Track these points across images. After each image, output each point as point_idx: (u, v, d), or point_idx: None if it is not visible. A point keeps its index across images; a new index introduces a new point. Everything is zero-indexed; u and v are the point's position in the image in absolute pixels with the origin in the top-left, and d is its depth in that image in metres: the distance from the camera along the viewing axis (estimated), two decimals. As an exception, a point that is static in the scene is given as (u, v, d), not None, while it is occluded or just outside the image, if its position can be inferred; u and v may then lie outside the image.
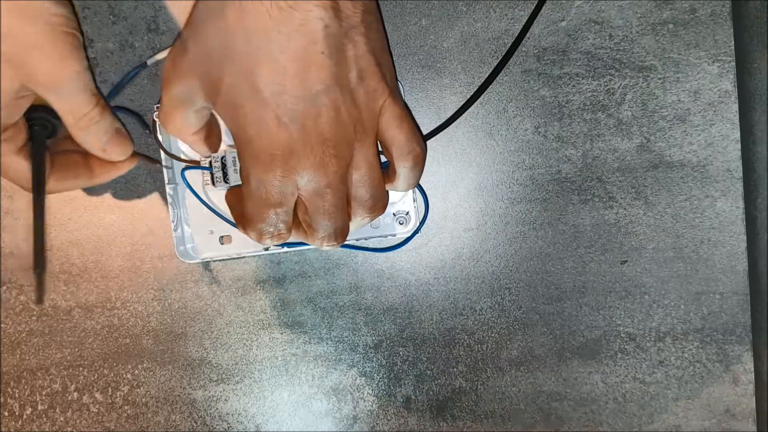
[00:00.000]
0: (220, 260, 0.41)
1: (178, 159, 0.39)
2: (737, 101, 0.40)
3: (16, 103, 0.32)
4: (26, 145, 0.34)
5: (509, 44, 0.40)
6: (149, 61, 0.39)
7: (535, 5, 0.39)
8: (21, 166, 0.34)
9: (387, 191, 0.35)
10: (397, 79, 0.37)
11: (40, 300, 0.36)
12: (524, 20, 0.40)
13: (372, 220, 0.35)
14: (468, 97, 0.40)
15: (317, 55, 0.30)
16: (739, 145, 0.40)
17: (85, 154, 0.36)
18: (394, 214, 0.41)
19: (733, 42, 0.40)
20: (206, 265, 0.41)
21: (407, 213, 0.41)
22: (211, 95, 0.32)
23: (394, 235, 0.41)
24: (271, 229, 0.33)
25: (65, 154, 0.36)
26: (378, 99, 0.33)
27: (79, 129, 0.33)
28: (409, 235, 0.41)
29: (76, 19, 0.33)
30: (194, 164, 0.38)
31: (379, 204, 0.34)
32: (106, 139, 0.34)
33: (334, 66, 0.30)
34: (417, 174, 0.35)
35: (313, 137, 0.31)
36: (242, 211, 0.34)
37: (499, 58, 0.40)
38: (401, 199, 0.40)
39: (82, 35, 0.33)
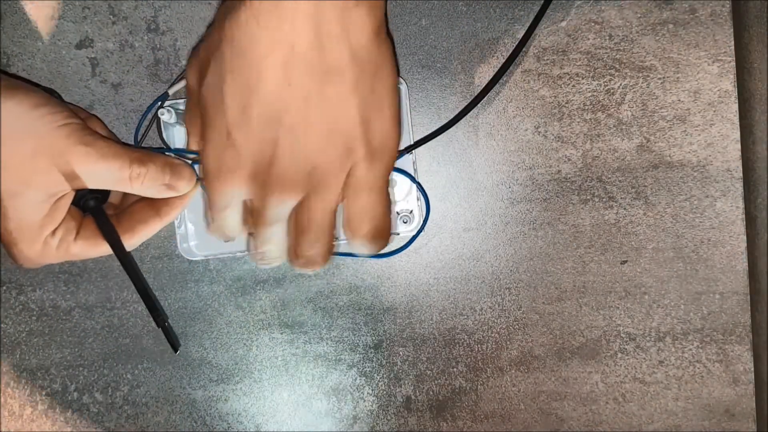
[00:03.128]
0: (221, 258, 0.41)
1: (182, 157, 0.39)
2: (737, 101, 0.40)
3: (56, 206, 0.33)
4: (83, 226, 0.35)
5: (509, 44, 0.40)
6: (170, 91, 0.39)
7: (537, 6, 0.39)
8: (87, 246, 0.35)
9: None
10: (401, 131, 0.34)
11: (176, 347, 0.36)
12: (524, 20, 0.40)
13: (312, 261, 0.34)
14: (467, 97, 0.40)
15: (285, 81, 0.29)
16: (739, 145, 0.40)
17: (147, 199, 0.36)
18: (398, 213, 0.40)
19: (733, 42, 0.40)
20: (206, 264, 0.41)
21: (411, 211, 0.40)
22: (198, 89, 0.32)
23: (398, 234, 0.41)
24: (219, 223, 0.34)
25: (129, 209, 0.36)
26: (347, 157, 0.31)
27: (136, 189, 0.34)
28: (413, 234, 0.40)
29: (60, 101, 0.34)
30: (197, 161, 0.38)
31: (321, 253, 0.33)
32: (167, 179, 0.34)
33: (300, 101, 0.29)
34: (367, 250, 0.34)
35: (258, 166, 0.31)
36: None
37: (499, 58, 0.40)
38: (405, 198, 0.40)
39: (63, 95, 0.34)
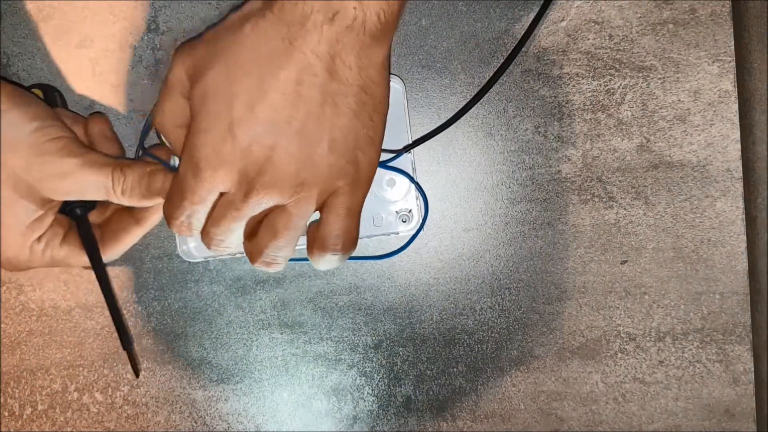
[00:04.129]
0: (221, 259, 0.41)
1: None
2: (737, 101, 0.40)
3: (46, 213, 0.34)
4: (69, 232, 0.36)
5: (509, 44, 0.40)
6: None
7: (537, 6, 0.39)
8: (72, 252, 0.36)
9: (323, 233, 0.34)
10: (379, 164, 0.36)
11: (137, 372, 0.38)
12: (524, 20, 0.40)
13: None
14: (467, 97, 0.40)
15: (295, 94, 0.30)
16: (739, 145, 0.40)
17: (126, 208, 0.38)
18: (396, 212, 0.40)
19: (733, 42, 0.40)
20: (206, 264, 0.41)
21: (410, 210, 0.40)
22: (194, 78, 0.32)
23: (397, 233, 0.41)
24: (182, 219, 0.34)
25: (109, 218, 0.38)
26: (337, 179, 0.32)
27: (119, 197, 0.35)
28: (413, 233, 0.40)
29: (52, 113, 0.35)
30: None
31: (284, 256, 0.34)
32: (144, 185, 0.35)
33: (304, 114, 0.31)
34: (332, 262, 0.35)
35: (250, 164, 0.31)
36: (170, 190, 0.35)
37: (499, 58, 0.40)
38: (404, 197, 0.40)
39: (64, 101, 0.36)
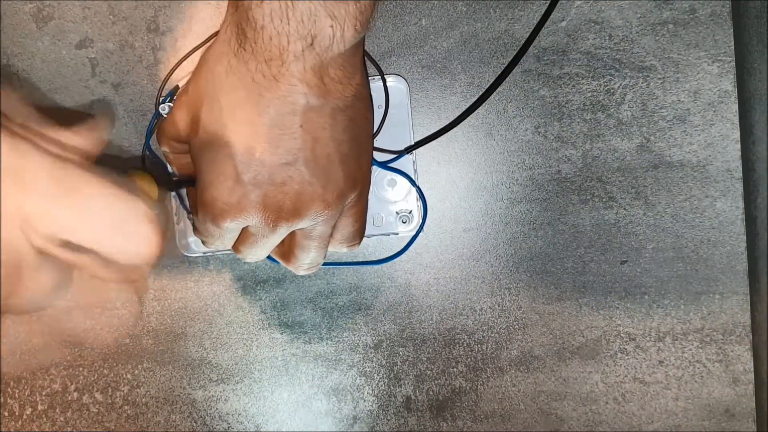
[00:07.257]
0: (220, 257, 0.41)
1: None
2: (737, 101, 0.40)
3: None
4: None
5: (509, 44, 0.40)
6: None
7: (537, 6, 0.39)
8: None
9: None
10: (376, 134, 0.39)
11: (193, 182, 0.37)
12: (524, 20, 0.40)
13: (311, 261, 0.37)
14: (467, 97, 0.40)
15: (295, 126, 0.30)
16: (739, 145, 0.40)
17: None
18: (397, 213, 0.40)
19: (733, 42, 0.40)
20: (206, 264, 0.41)
21: (410, 212, 0.40)
22: (191, 132, 0.33)
23: (397, 234, 0.41)
24: (213, 248, 0.37)
25: None
26: (352, 190, 0.33)
27: None
28: (412, 234, 0.41)
29: None
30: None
31: (314, 265, 0.37)
32: None
33: (310, 142, 0.31)
34: (344, 252, 0.38)
35: (270, 204, 0.32)
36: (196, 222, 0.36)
37: (499, 58, 0.40)
38: (404, 198, 0.40)
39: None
